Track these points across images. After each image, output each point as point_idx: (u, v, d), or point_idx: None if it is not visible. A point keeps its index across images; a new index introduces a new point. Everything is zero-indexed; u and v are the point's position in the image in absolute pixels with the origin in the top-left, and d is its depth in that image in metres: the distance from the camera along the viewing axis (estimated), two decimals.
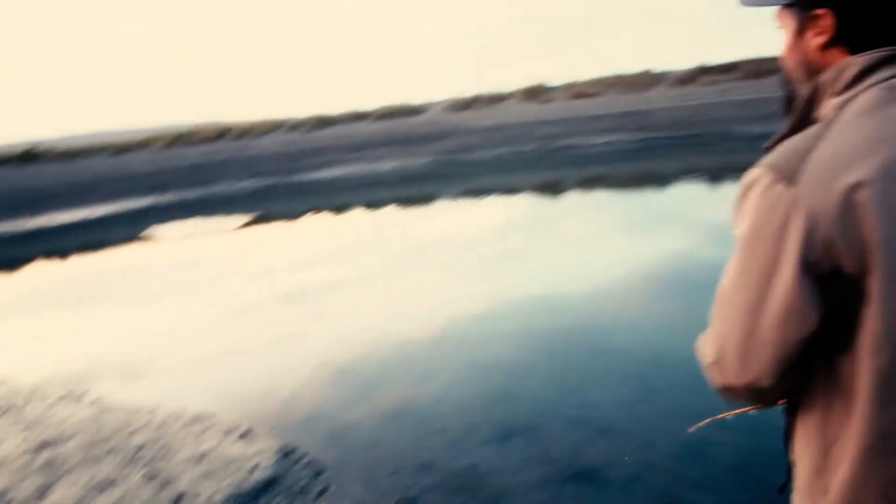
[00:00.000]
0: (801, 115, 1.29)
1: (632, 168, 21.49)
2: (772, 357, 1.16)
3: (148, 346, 7.75)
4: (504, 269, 9.45)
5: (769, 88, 29.87)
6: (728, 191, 14.64)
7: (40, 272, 14.62)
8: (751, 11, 1.41)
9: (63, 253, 16.13)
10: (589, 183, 18.86)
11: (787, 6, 1.31)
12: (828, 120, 1.18)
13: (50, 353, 7.85)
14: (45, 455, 4.53)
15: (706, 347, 1.28)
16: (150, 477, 4.15)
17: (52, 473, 4.22)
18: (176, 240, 15.64)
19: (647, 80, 34.90)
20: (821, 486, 1.22)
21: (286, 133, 35.07)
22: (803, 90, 1.30)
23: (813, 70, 1.30)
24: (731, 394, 1.25)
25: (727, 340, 1.20)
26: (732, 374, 1.21)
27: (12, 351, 8.03)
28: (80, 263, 14.73)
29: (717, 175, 17.16)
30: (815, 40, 1.26)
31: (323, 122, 35.73)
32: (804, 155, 1.14)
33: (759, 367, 1.17)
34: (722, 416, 1.76)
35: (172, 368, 6.88)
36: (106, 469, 4.27)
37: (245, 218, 17.91)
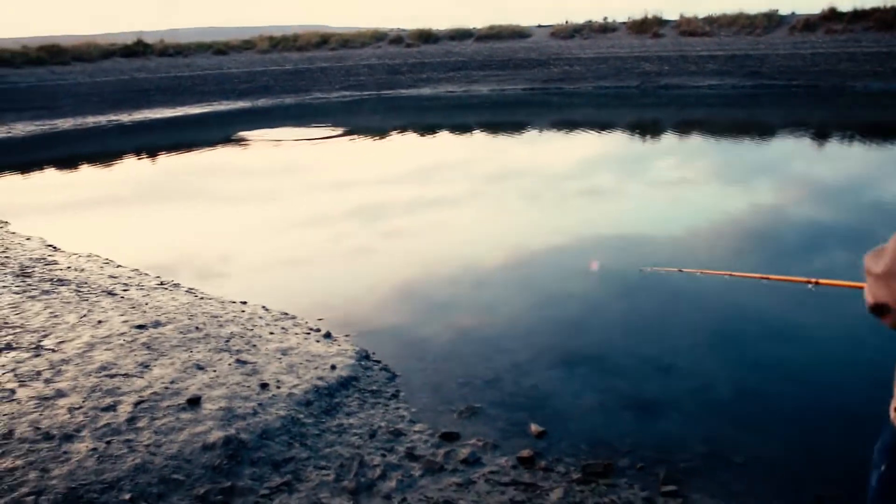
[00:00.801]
0: None
1: (734, 115, 20.82)
2: None
3: (235, 244, 8.17)
4: (587, 206, 9.49)
5: None
6: (832, 149, 14.11)
7: (137, 166, 15.31)
8: None
9: (159, 149, 16.79)
10: (687, 126, 18.37)
11: None
12: None
13: (145, 242, 8.34)
14: (146, 336, 4.92)
15: (877, 261, 1.43)
16: (239, 363, 4.48)
17: (151, 352, 4.60)
18: (267, 145, 16.07)
19: (767, 22, 33.23)
20: None
21: (387, 45, 34.97)
22: None
23: None
24: (882, 311, 1.42)
25: None
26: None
27: (111, 237, 8.52)
28: (174, 160, 15.32)
29: (823, 132, 16.47)
30: None
31: (425, 37, 35.43)
32: None
33: None
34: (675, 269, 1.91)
35: (258, 268, 7.25)
36: (199, 353, 4.63)
37: (336, 129, 18.20)
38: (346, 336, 5.29)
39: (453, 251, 7.60)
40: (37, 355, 4.42)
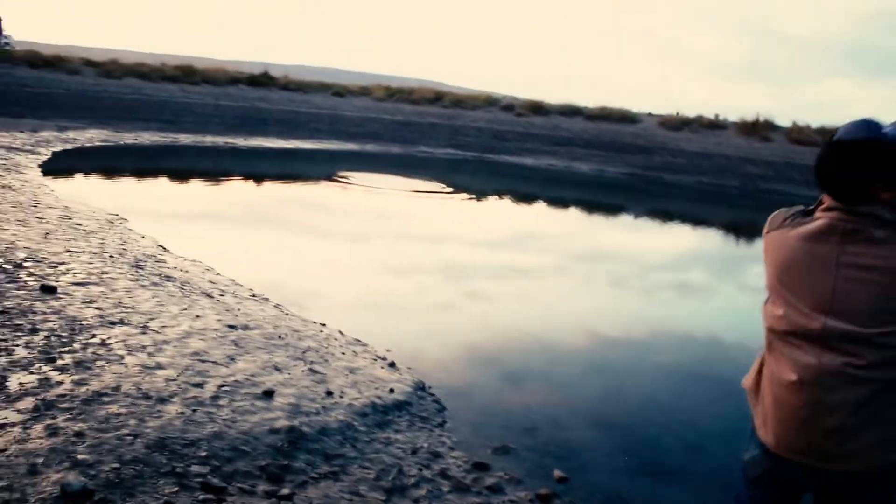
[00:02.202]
0: None
1: None
2: None
3: (324, 273, 8.87)
4: (666, 301, 9.67)
5: None
6: None
7: (245, 187, 16.41)
8: None
9: (267, 176, 17.92)
10: None
11: None
12: None
13: (244, 257, 9.10)
14: (234, 335, 5.58)
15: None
16: (310, 371, 5.09)
17: (238, 349, 5.25)
18: (369, 188, 16.96)
19: None
20: None
21: (498, 111, 36.00)
22: None
23: None
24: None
25: None
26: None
27: (215, 248, 9.32)
28: (280, 188, 16.35)
29: None
30: None
31: (536, 109, 36.32)
32: None
33: None
34: None
35: (341, 298, 7.89)
36: (278, 357, 5.26)
37: (436, 184, 19.02)
38: (409, 368, 5.83)
39: (527, 319, 7.99)
40: (143, 333, 5.14)
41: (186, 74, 32.99)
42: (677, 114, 37.84)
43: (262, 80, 34.79)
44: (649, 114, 38.22)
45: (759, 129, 34.70)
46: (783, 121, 36.17)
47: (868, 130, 2.09)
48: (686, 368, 6.94)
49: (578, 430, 5.12)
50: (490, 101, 37.53)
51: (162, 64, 33.89)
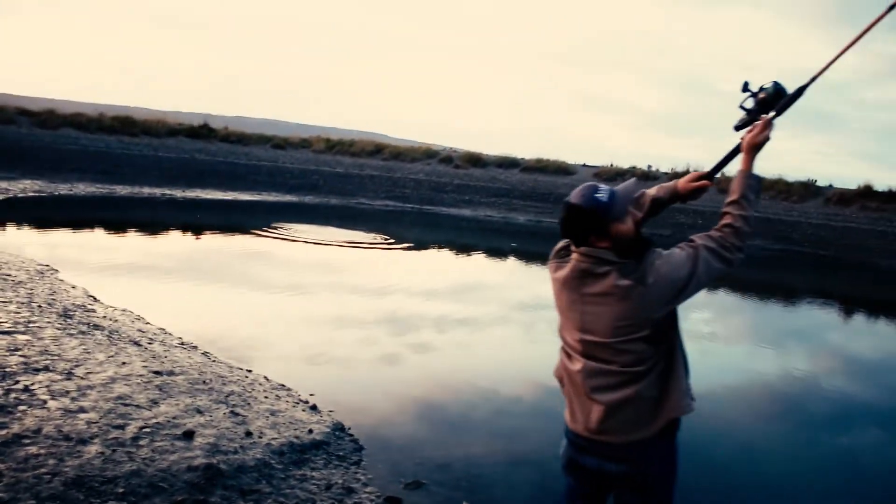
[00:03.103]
0: None
1: (760, 275, 21.54)
2: None
3: (256, 323, 9.02)
4: None
5: None
6: (858, 323, 14.70)
7: (181, 239, 16.49)
8: None
9: (204, 227, 18.01)
10: (716, 281, 19.02)
11: None
12: None
13: (175, 308, 9.25)
14: (159, 380, 5.75)
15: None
16: (232, 414, 5.28)
17: (162, 393, 5.42)
18: (307, 240, 17.16)
19: (804, 191, 34.33)
20: None
21: (437, 163, 36.71)
22: None
23: None
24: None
25: None
26: None
27: (146, 298, 9.44)
28: (217, 240, 16.46)
29: (848, 304, 17.11)
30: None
31: (474, 161, 37.13)
32: None
33: None
34: None
35: (271, 346, 8.05)
36: (201, 401, 5.44)
37: (375, 236, 19.32)
38: (331, 411, 6.05)
39: (450, 366, 8.21)
40: (68, 379, 5.28)
41: (125, 125, 32.98)
42: (611, 165, 39.05)
43: (202, 132, 34.96)
44: (584, 165, 39.35)
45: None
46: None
47: (582, 196, 2.66)
48: None
49: (491, 467, 5.39)
50: (429, 154, 38.22)
51: (100, 115, 33.82)
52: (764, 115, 2.79)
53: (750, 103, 2.88)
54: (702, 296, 16.04)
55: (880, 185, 33.97)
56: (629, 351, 2.65)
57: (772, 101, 2.81)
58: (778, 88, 2.81)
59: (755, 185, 2.74)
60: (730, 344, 11.07)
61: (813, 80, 2.79)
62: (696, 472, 5.70)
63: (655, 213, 3.06)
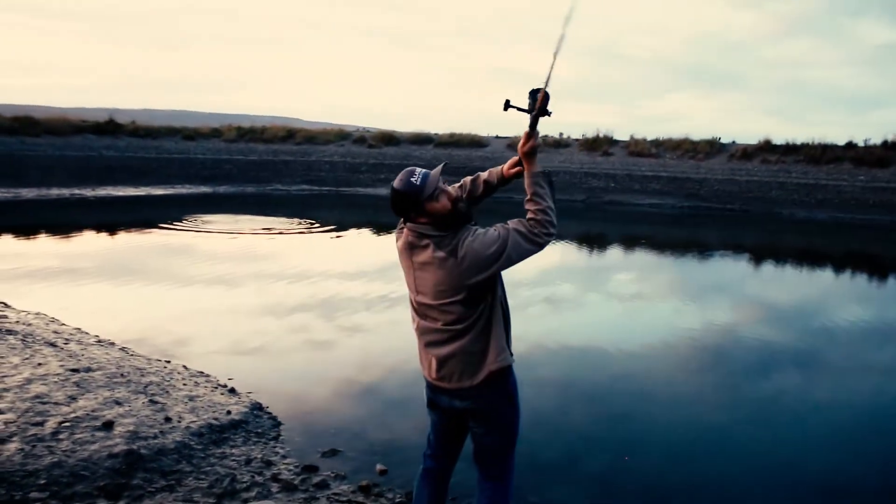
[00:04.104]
0: None
1: (674, 233, 22.40)
2: None
3: (174, 316, 9.12)
4: (542, 316, 10.01)
5: (823, 176, 30.46)
6: (767, 270, 15.52)
7: (95, 239, 16.30)
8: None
9: (118, 225, 17.79)
10: (628, 241, 19.80)
11: None
12: None
13: (91, 307, 9.27)
14: (77, 377, 5.89)
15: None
16: (151, 402, 5.48)
17: (80, 389, 5.57)
18: (224, 230, 17.16)
19: (709, 149, 35.51)
20: None
21: (350, 144, 36.64)
22: None
23: None
24: None
25: None
26: None
27: (61, 301, 9.44)
28: (132, 237, 16.29)
29: (757, 253, 18.01)
30: None
31: (387, 140, 37.19)
32: None
33: None
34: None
35: (188, 337, 8.18)
36: (119, 393, 5.61)
37: (292, 221, 19.39)
38: (249, 392, 6.29)
39: (373, 344, 8.34)
40: None
41: (25, 126, 31.84)
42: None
43: (107, 128, 34.03)
44: (497, 136, 39.84)
45: (600, 145, 36.86)
46: (625, 136, 38.51)
47: (401, 181, 3.15)
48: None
49: (404, 433, 5.70)
50: (342, 136, 38.12)
51: None
52: (526, 130, 3.20)
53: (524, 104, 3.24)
54: (622, 257, 16.78)
55: (779, 138, 35.43)
56: (450, 312, 3.17)
57: (541, 106, 3.20)
58: (539, 92, 3.18)
59: (542, 181, 3.18)
60: (653, 301, 11.58)
61: (546, 84, 3.16)
62: (637, 430, 6.11)
63: (489, 193, 3.59)
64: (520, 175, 3.37)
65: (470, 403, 3.30)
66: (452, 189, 3.37)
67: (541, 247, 3.13)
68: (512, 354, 3.34)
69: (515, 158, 3.41)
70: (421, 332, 3.33)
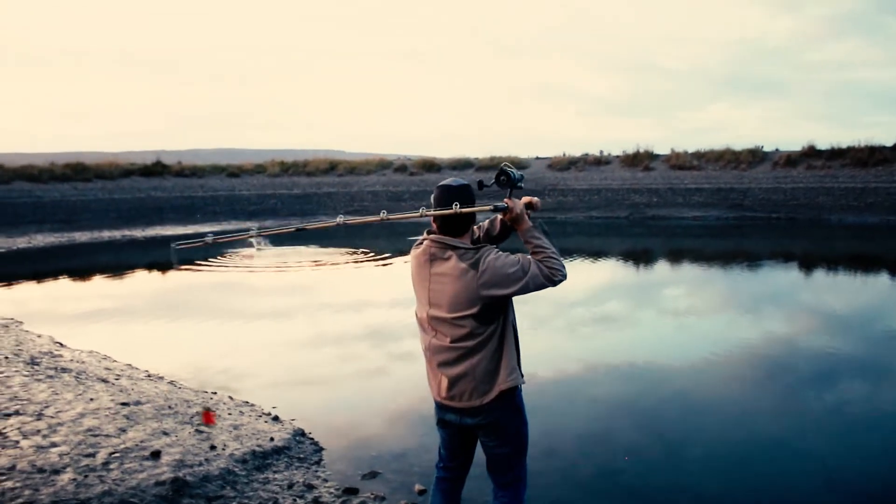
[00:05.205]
0: None
1: (720, 245, 22.16)
2: None
3: (220, 349, 9.37)
4: (594, 336, 9.96)
5: (872, 178, 29.90)
6: (820, 279, 15.25)
7: (146, 278, 16.75)
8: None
9: (167, 264, 18.19)
10: (675, 255, 19.68)
11: None
12: None
13: (143, 345, 9.57)
14: (127, 410, 6.11)
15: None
16: (197, 432, 5.67)
17: (129, 421, 5.79)
18: (269, 263, 17.51)
19: (752, 158, 35.11)
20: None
21: (392, 173, 37.09)
22: None
23: None
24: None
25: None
26: None
27: (113, 339, 9.77)
28: (182, 275, 16.67)
29: (803, 259, 17.74)
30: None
31: (428, 166, 37.55)
32: None
33: None
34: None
35: (235, 369, 8.41)
36: (167, 424, 5.82)
37: (336, 251, 19.68)
38: (292, 420, 6.46)
39: (403, 371, 8.35)
40: (38, 419, 5.63)
41: (77, 172, 32.95)
42: (564, 154, 39.68)
43: (155, 170, 35.02)
44: (537, 157, 39.97)
45: (640, 160, 36.73)
46: (665, 149, 38.27)
47: (451, 181, 3.40)
48: (564, 402, 7.69)
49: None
50: (384, 165, 38.59)
51: (51, 164, 33.73)
52: (507, 199, 3.43)
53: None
54: (670, 271, 16.65)
55: (824, 143, 34.91)
56: (461, 326, 3.27)
57: (507, 184, 3.51)
58: (504, 173, 3.50)
59: (537, 233, 3.36)
60: (706, 315, 11.39)
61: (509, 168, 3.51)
62: (692, 441, 6.06)
63: (505, 233, 3.72)
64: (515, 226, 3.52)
65: (480, 420, 3.41)
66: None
67: (554, 284, 3.28)
68: (522, 375, 3.46)
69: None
70: (432, 351, 3.40)
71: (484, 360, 3.30)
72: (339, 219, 3.44)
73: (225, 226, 27.37)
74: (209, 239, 3.37)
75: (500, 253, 3.28)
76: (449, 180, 3.43)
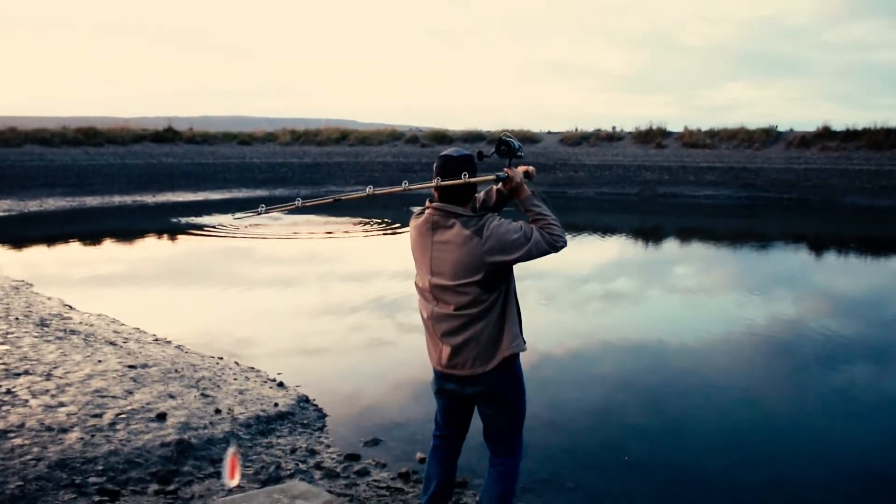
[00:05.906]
0: None
1: (731, 224, 22.09)
2: None
3: (229, 315, 9.45)
4: (602, 312, 9.99)
5: (887, 161, 29.67)
6: (831, 261, 15.22)
7: (156, 243, 16.84)
8: None
9: (178, 230, 18.30)
10: (685, 233, 19.65)
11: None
12: None
13: (151, 308, 9.66)
14: (134, 373, 6.20)
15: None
16: (202, 396, 5.75)
17: (136, 384, 5.87)
18: (278, 232, 17.56)
19: (765, 137, 34.83)
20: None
21: (403, 144, 36.97)
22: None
23: None
24: None
25: None
26: None
27: (122, 302, 9.85)
28: (191, 241, 16.74)
29: (818, 243, 17.71)
30: None
31: (439, 138, 37.35)
32: None
33: None
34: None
35: (242, 335, 8.47)
36: (173, 387, 5.90)
37: (346, 221, 19.72)
38: (297, 386, 6.53)
39: (406, 339, 8.43)
40: (47, 379, 5.73)
41: (89, 136, 32.94)
42: (576, 129, 39.40)
43: (166, 136, 34.97)
44: (549, 132, 39.73)
45: (653, 137, 36.44)
46: (680, 127, 37.97)
47: (453, 151, 3.41)
48: (568, 375, 7.75)
49: None
50: (395, 136, 38.44)
51: (63, 128, 33.71)
52: (507, 168, 3.48)
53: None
54: (680, 249, 16.64)
55: (840, 124, 34.53)
56: (465, 293, 3.29)
57: (508, 153, 3.60)
58: (504, 143, 3.60)
59: (536, 201, 3.39)
60: (714, 294, 11.37)
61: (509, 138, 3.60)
62: (696, 418, 6.11)
63: (502, 202, 3.72)
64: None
65: (480, 388, 3.44)
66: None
67: (556, 251, 3.32)
68: (524, 342, 3.49)
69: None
70: (434, 320, 3.41)
71: (488, 327, 3.33)
72: (369, 189, 3.51)
73: (235, 193, 27.43)
74: (262, 209, 3.46)
75: (503, 220, 3.30)
76: (450, 150, 3.44)
